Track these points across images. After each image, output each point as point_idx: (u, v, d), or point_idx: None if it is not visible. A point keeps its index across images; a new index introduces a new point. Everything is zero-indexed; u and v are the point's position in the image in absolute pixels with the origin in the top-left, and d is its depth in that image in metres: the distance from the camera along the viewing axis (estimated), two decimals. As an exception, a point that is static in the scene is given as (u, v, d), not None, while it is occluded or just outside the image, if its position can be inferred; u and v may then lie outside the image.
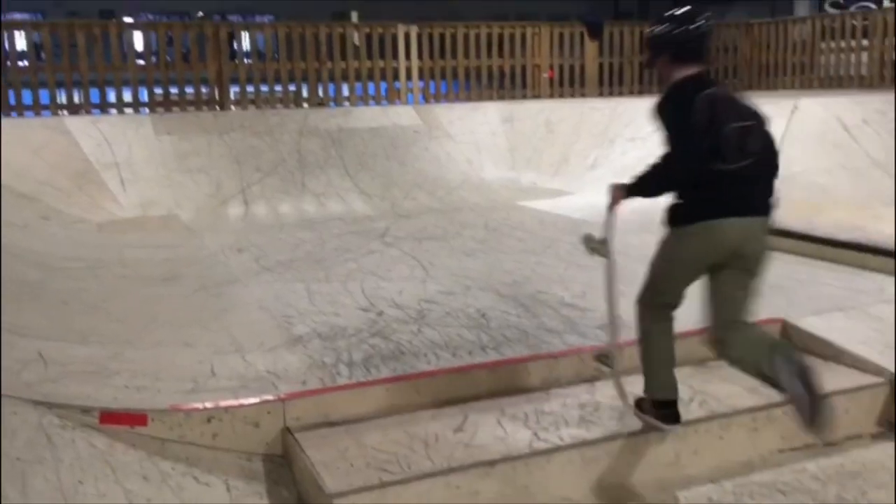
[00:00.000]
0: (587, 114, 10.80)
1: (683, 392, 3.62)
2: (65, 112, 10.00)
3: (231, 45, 11.13)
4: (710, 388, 3.69)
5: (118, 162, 8.56)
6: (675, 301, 3.40)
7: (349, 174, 9.23)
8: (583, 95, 12.53)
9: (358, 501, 2.89)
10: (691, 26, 3.19)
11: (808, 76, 12.67)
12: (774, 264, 5.51)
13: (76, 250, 6.32)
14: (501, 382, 3.76)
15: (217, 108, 10.67)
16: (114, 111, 10.20)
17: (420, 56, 11.68)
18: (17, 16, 23.72)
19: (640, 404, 3.41)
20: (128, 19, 24.13)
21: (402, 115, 10.55)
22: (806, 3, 22.01)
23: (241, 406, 3.37)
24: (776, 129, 9.00)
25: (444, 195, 9.21)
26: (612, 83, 12.94)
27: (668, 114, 3.18)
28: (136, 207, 8.16)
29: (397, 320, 4.52)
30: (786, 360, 3.00)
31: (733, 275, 3.23)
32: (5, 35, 9.82)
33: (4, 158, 7.93)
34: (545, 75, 12.46)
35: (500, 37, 12.23)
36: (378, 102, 11.47)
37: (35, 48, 10.41)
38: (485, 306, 4.74)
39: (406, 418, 3.47)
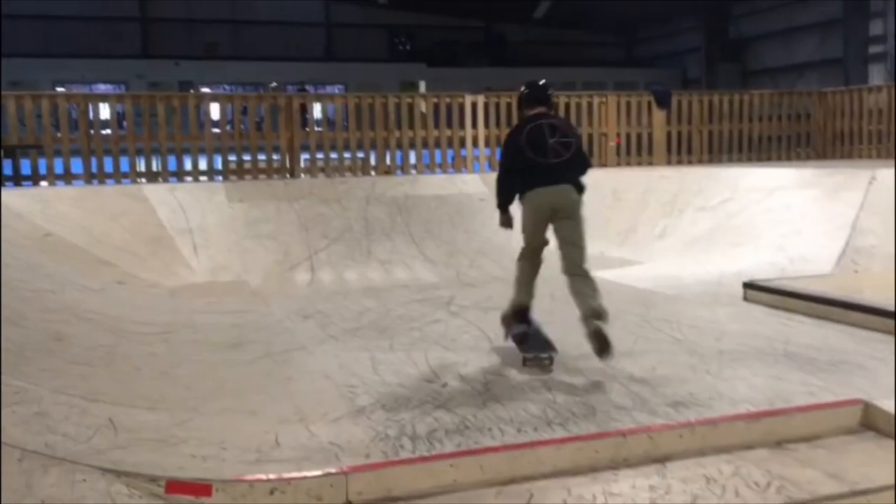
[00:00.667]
0: (655, 182, 10.72)
1: (760, 477, 3.47)
2: (143, 180, 10.40)
3: (303, 115, 11.47)
4: (788, 472, 3.51)
5: (192, 228, 8.81)
6: (537, 245, 5.34)
7: (415, 241, 9.30)
8: (650, 164, 12.46)
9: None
10: (538, 83, 5.41)
11: (885, 145, 12.37)
12: (852, 340, 5.33)
13: (149, 315, 6.47)
14: (568, 461, 3.65)
15: (287, 175, 10.94)
16: (189, 179, 10.56)
17: (486, 124, 11.82)
18: (102, 87, 24.99)
19: (505, 319, 5.34)
20: (205, 90, 25.23)
21: (469, 183, 10.64)
22: (881, 71, 21.66)
23: (305, 478, 3.34)
24: (853, 200, 8.80)
25: (509, 264, 9.11)
26: (680, 152, 12.86)
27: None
28: (206, 272, 8.36)
29: (462, 392, 4.46)
30: (589, 326, 4.93)
31: (561, 223, 5.11)
32: (72, 106, 10.30)
33: (86, 224, 8.25)
34: (612, 143, 12.45)
35: (567, 106, 12.31)
36: (444, 170, 11.62)
37: (118, 118, 10.91)
38: (551, 380, 4.65)
39: (469, 496, 3.39)
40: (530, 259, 5.38)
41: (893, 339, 5.31)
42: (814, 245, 8.03)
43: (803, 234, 8.29)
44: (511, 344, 5.25)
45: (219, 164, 10.79)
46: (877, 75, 21.73)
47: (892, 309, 5.65)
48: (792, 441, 3.86)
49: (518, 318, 5.29)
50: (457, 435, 3.80)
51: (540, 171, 5.02)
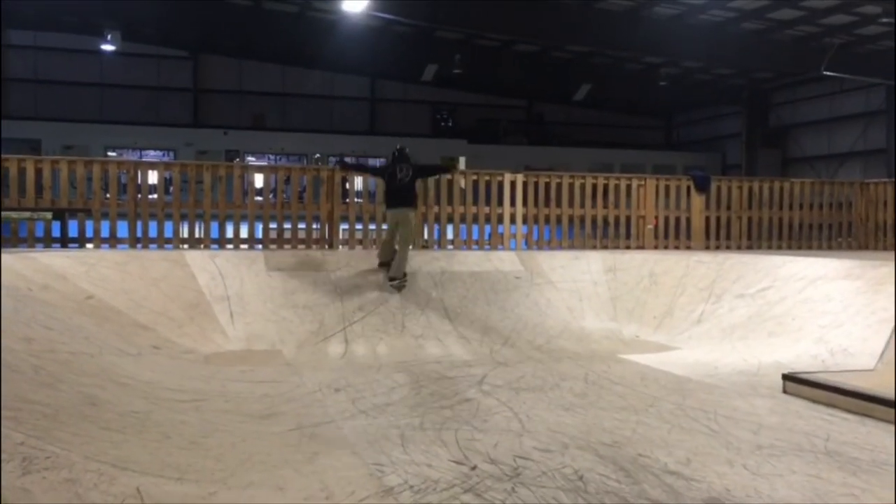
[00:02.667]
0: (693, 267, 10.65)
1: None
2: (185, 245, 10.60)
3: (343, 187, 11.68)
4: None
5: (229, 295, 8.92)
6: (392, 239, 10.01)
7: (448, 317, 9.30)
8: (688, 248, 12.42)
9: None
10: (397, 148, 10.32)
11: (928, 237, 12.21)
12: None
13: (182, 381, 6.50)
14: (598, 555, 3.55)
15: (326, 246, 11.08)
16: (231, 246, 10.74)
17: (525, 203, 11.92)
18: (152, 153, 25.72)
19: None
20: (251, 158, 25.83)
21: (505, 261, 10.68)
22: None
23: (328, 560, 3.28)
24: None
25: (543, 343, 9.13)
26: (718, 237, 12.81)
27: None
28: (241, 341, 8.42)
29: (491, 476, 4.38)
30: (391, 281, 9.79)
31: (399, 233, 9.90)
32: (122, 172, 10.60)
33: (128, 287, 8.40)
34: (649, 226, 12.45)
35: (606, 187, 12.38)
36: (482, 247, 11.68)
37: (165, 184, 11.20)
38: (582, 468, 4.56)
39: (496, 587, 3.29)
40: (387, 244, 10.12)
41: (940, 441, 5.15)
42: (856, 338, 7.87)
43: (845, 327, 8.14)
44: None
45: (259, 233, 10.98)
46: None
47: (938, 409, 5.48)
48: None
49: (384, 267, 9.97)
50: (485, 522, 3.72)
51: (391, 195, 10.03)
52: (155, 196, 11.16)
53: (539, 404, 6.20)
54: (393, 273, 9.67)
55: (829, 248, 13.10)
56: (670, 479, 4.38)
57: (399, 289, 9.63)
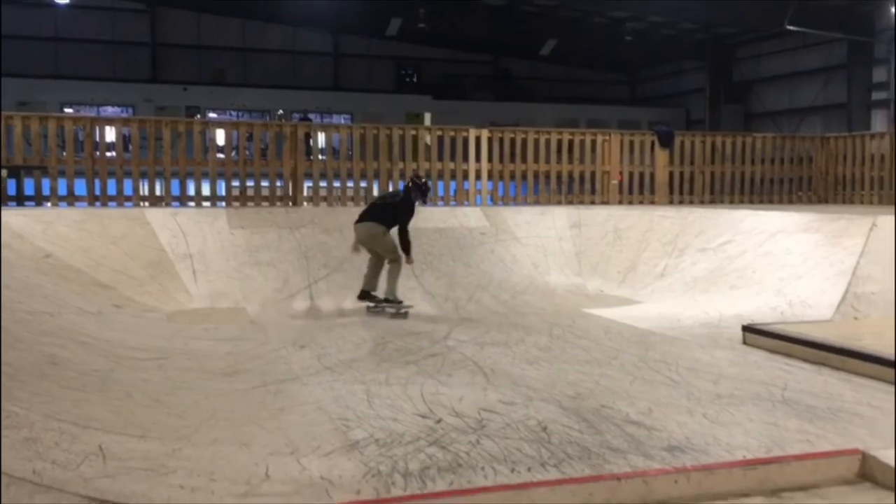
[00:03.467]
0: (657, 222, 10.73)
1: (755, 526, 3.41)
2: (146, 203, 10.42)
3: (307, 144, 11.53)
4: (784, 522, 3.46)
5: (192, 253, 8.81)
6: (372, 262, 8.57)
7: (414, 273, 9.29)
8: (652, 203, 12.50)
9: None
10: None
11: (886, 192, 12.41)
12: (850, 388, 5.29)
13: (145, 340, 6.44)
14: (561, 503, 3.61)
15: (290, 203, 10.97)
16: (192, 204, 10.59)
17: (490, 159, 11.88)
18: (110, 109, 25.16)
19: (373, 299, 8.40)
20: (212, 115, 25.38)
21: (470, 217, 10.66)
22: (884, 117, 21.81)
23: (291, 514, 3.30)
24: (854, 247, 8.79)
25: (508, 299, 9.17)
26: (682, 191, 12.90)
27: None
28: (205, 298, 8.34)
29: (456, 429, 4.42)
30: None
31: (372, 252, 8.46)
32: (79, 128, 10.34)
33: (87, 246, 8.25)
34: (614, 181, 12.50)
35: (571, 142, 12.38)
36: (447, 203, 11.64)
37: (123, 141, 10.96)
38: (546, 419, 4.61)
39: (460, 537, 3.34)
40: (374, 265, 8.54)
41: (894, 389, 5.28)
42: (814, 290, 8.01)
43: (804, 279, 8.28)
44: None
45: (222, 191, 10.83)
46: (879, 122, 21.86)
47: (892, 358, 5.62)
48: (788, 490, 3.81)
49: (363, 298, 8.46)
50: (449, 473, 3.76)
51: (365, 213, 8.59)
52: (113, 153, 10.92)
53: (504, 358, 6.25)
54: (387, 295, 8.30)
55: (790, 201, 13.28)
56: (632, 429, 4.45)
57: (403, 315, 8.18)
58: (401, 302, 8.26)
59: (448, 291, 9.14)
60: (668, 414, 4.74)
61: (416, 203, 8.53)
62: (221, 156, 11.11)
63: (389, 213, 8.35)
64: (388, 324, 7.78)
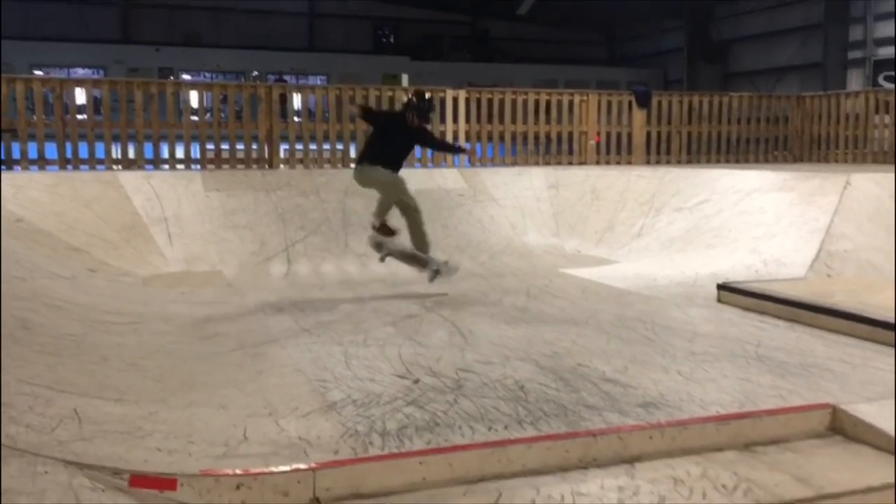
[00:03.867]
0: (634, 182, 10.76)
1: (728, 479, 3.48)
2: (119, 167, 10.27)
3: (283, 105, 11.38)
4: (756, 475, 3.52)
5: (167, 217, 8.72)
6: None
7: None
8: (629, 163, 12.51)
9: (384, 582, 2.79)
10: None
11: (861, 150, 12.50)
12: (823, 344, 5.37)
13: (120, 304, 6.39)
14: (538, 460, 3.64)
15: (266, 166, 10.86)
16: (166, 167, 10.45)
17: (468, 120, 11.80)
18: (80, 71, 24.69)
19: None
20: (186, 77, 24.98)
21: (448, 178, 10.62)
22: (860, 76, 21.90)
23: (272, 474, 3.31)
24: (828, 205, 8.82)
25: (486, 260, 9.18)
26: (659, 152, 12.91)
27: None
28: (181, 262, 8.28)
29: (433, 389, 4.44)
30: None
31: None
32: (49, 90, 10.14)
33: (59, 210, 8.14)
34: (592, 142, 12.48)
35: (548, 103, 12.32)
36: (424, 165, 11.58)
37: (94, 102, 10.77)
38: (523, 378, 4.64)
39: (438, 493, 3.37)
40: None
41: (867, 343, 5.37)
42: (788, 248, 8.09)
43: (778, 238, 8.35)
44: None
45: (196, 153, 10.70)
46: (855, 80, 21.95)
47: (864, 314, 5.70)
48: (760, 444, 3.87)
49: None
50: (427, 432, 3.78)
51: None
52: (84, 116, 10.72)
53: (481, 319, 6.27)
54: (415, 245, 7.49)
55: (766, 161, 13.34)
56: (608, 387, 4.49)
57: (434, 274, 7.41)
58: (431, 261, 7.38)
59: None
60: (644, 371, 4.79)
61: (417, 123, 7.21)
62: (195, 118, 10.94)
63: (378, 146, 7.21)
64: (366, 286, 7.77)
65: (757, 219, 8.87)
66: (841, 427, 4.03)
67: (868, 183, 8.44)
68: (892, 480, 3.50)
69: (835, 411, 4.08)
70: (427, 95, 7.31)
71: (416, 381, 4.59)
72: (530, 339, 5.65)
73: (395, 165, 7.25)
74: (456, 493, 3.37)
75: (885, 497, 3.45)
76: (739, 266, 7.99)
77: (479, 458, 3.59)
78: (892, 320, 5.49)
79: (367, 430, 3.78)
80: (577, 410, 4.09)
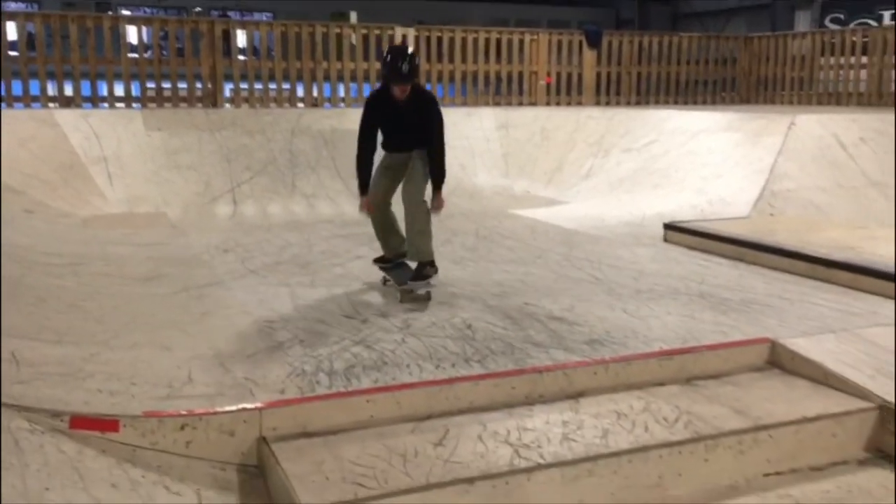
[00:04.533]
0: (583, 122, 10.75)
1: (669, 412, 3.56)
2: (55, 104, 9.91)
3: (226, 42, 11.04)
4: (696, 408, 3.61)
5: (106, 156, 8.48)
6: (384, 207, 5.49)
7: (340, 176, 9.15)
8: (579, 104, 12.48)
9: (331, 517, 2.80)
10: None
11: (807, 92, 12.65)
12: (763, 281, 5.49)
13: (59, 245, 6.22)
14: (484, 397, 3.68)
15: (210, 105, 10.58)
16: (105, 105, 10.11)
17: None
18: (13, 5, 23.61)
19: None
20: (125, 12, 24.08)
21: (397, 118, 10.46)
22: (807, 18, 22.07)
23: (217, 414, 3.28)
24: (772, 145, 8.97)
25: (435, 200, 9.12)
26: (609, 92, 12.90)
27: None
28: (122, 203, 8.08)
29: (382, 329, 4.44)
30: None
31: (405, 188, 5.31)
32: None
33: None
34: (542, 82, 12.41)
35: (499, 42, 12.17)
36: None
37: (28, 38, 10.31)
38: (471, 317, 4.66)
39: (385, 431, 3.38)
40: None
41: (806, 280, 5.50)
42: (733, 188, 8.20)
43: (724, 178, 8.46)
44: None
45: (137, 91, 10.36)
46: (802, 21, 22.12)
47: (804, 252, 5.83)
48: (701, 378, 3.97)
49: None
50: (375, 371, 3.78)
51: None
52: (16, 53, 10.26)
53: (430, 259, 6.25)
54: (414, 255, 5.16)
55: (714, 102, 13.43)
56: (554, 325, 4.53)
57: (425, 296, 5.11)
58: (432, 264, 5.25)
59: (375, 194, 9.03)
60: (590, 309, 4.84)
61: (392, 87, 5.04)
62: (135, 55, 10.55)
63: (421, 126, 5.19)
64: (314, 227, 7.68)
65: (704, 159, 8.96)
66: (779, 361, 4.14)
67: (812, 124, 8.57)
68: (826, 411, 3.62)
69: (773, 346, 4.20)
70: (410, 51, 5.20)
71: (365, 322, 4.58)
72: (479, 278, 5.67)
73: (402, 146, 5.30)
74: (403, 431, 3.39)
75: (819, 427, 3.57)
76: (686, 206, 8.09)
77: (427, 395, 3.62)
78: (831, 257, 5.64)
79: (314, 370, 3.77)
80: (523, 348, 4.13)
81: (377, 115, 5.21)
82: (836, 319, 4.62)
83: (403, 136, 5.24)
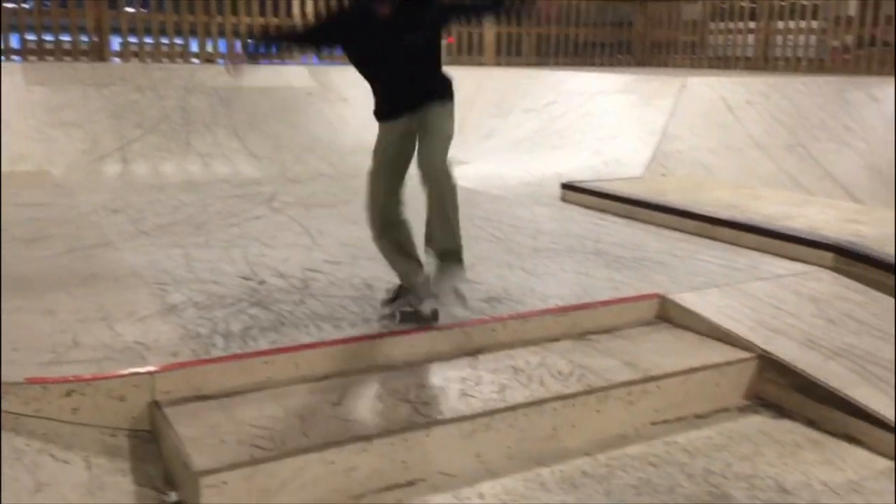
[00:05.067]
0: (484, 83, 10.78)
1: (564, 366, 3.65)
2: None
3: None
4: (589, 362, 3.73)
5: (-18, 112, 7.98)
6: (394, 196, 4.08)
7: (237, 135, 8.91)
8: (481, 64, 12.49)
9: (228, 479, 2.76)
10: None
11: (698, 56, 13.04)
12: (655, 239, 5.68)
13: (-69, 207, 5.85)
14: (384, 355, 3.69)
15: (96, 59, 10.09)
16: (-20, 57, 9.50)
17: (316, 14, 11.35)
18: None
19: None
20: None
21: (296, 76, 10.25)
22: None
23: (106, 378, 3.18)
24: (664, 107, 9.22)
25: (336, 160, 9.01)
26: (510, 53, 12.96)
27: None
28: (2, 162, 7.63)
29: (280, 290, 4.37)
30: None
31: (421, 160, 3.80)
32: None
33: None
34: (444, 42, 12.33)
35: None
36: (271, 61, 11.09)
37: None
38: (371, 277, 4.64)
39: (283, 392, 3.35)
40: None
41: (695, 237, 5.72)
42: (628, 149, 8.41)
43: (619, 139, 8.66)
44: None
45: (16, 43, 9.77)
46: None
47: (692, 210, 6.05)
48: (595, 333, 4.09)
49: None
50: (272, 332, 3.73)
51: None
52: None
53: (330, 220, 6.19)
54: (440, 244, 3.81)
55: (611, 64, 13.69)
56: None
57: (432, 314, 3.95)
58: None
59: (273, 154, 8.85)
60: (489, 268, 4.90)
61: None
62: (12, 4, 9.93)
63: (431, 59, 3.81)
64: (209, 187, 7.47)
65: (600, 120, 9.15)
66: (668, 315, 4.31)
67: (701, 86, 8.85)
68: (710, 362, 3.80)
69: (663, 301, 4.35)
70: None
71: (262, 283, 4.50)
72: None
73: (402, 102, 3.76)
74: (301, 391, 3.37)
75: (703, 377, 3.74)
76: (583, 166, 8.25)
77: (326, 356, 3.60)
78: (717, 216, 5.87)
79: (208, 332, 3.68)
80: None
81: (344, 37, 3.68)
82: (721, 275, 4.83)
83: (403, 79, 3.65)
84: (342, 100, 10.15)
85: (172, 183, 7.62)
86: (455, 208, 3.73)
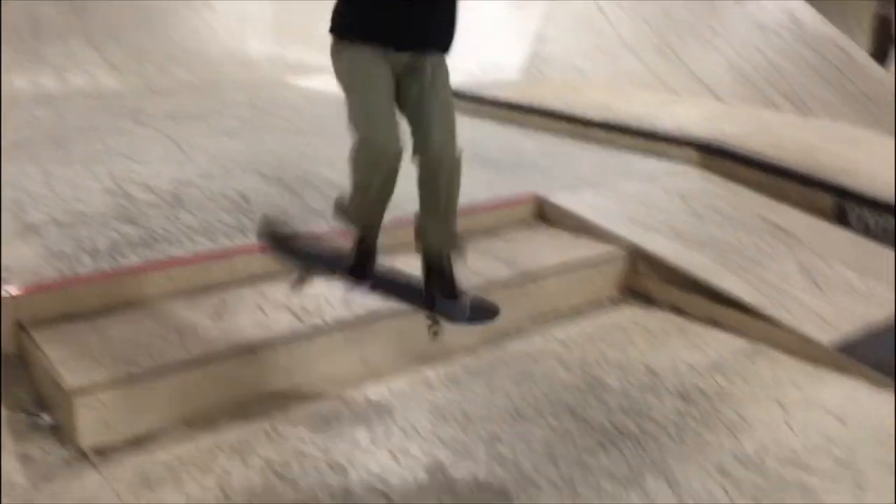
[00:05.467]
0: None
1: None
2: None
3: None
4: (469, 262, 3.78)
5: None
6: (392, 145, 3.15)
7: (94, 46, 8.33)
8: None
9: (103, 397, 2.69)
10: None
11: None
12: (532, 142, 5.77)
13: None
14: (263, 267, 3.62)
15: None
16: None
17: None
18: None
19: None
20: None
21: (155, -20, 9.60)
22: None
23: (-37, 305, 3.00)
24: (540, 9, 9.18)
25: (204, 71, 8.60)
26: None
27: None
28: None
29: (150, 205, 4.19)
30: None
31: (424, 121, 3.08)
32: None
33: None
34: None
35: None
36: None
37: None
38: (247, 188, 4.51)
39: (159, 309, 3.26)
40: None
41: (569, 139, 5.83)
42: (504, 53, 8.40)
43: (495, 43, 8.62)
44: None
45: None
46: None
47: (566, 113, 6.15)
48: (475, 233, 4.14)
49: None
50: (144, 248, 3.59)
51: None
52: None
53: (201, 132, 5.93)
54: (437, 245, 3.15)
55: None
56: (333, 192, 4.46)
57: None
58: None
59: (136, 65, 8.33)
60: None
61: None
62: None
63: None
64: (66, 101, 7.00)
65: (476, 25, 9.05)
66: (544, 214, 4.42)
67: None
68: (584, 258, 3.93)
69: (539, 201, 4.45)
70: None
71: (130, 198, 4.30)
72: (254, 150, 5.47)
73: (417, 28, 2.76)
74: (178, 307, 3.28)
75: (578, 273, 3.88)
76: (459, 71, 8.13)
77: (202, 269, 3.51)
78: (590, 117, 5.99)
79: (74, 251, 3.51)
80: (302, 216, 4.08)
81: None
82: (594, 175, 4.96)
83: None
84: (207, 6, 9.62)
85: (25, 97, 7.08)
86: (457, 201, 3.05)
